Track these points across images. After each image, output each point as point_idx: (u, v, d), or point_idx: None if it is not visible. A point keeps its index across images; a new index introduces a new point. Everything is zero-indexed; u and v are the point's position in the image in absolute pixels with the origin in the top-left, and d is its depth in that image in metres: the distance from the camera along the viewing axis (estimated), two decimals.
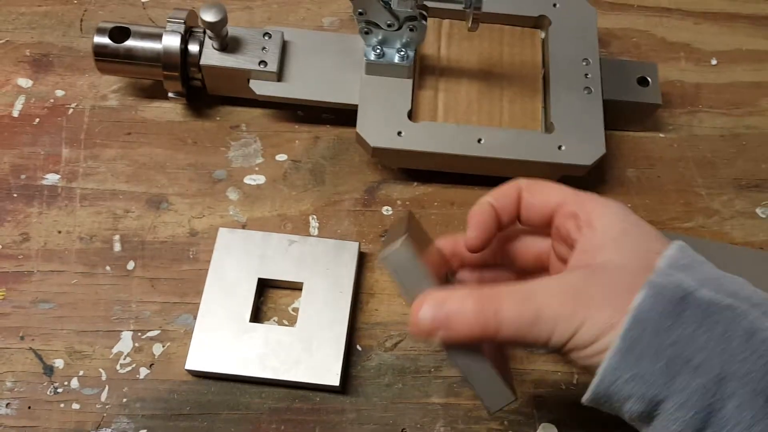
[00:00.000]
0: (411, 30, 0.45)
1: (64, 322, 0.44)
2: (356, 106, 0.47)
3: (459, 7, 0.43)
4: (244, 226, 0.47)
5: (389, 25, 0.44)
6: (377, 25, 0.45)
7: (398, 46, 0.46)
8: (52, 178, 0.48)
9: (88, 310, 0.44)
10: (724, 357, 0.27)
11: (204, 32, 0.47)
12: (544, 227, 0.35)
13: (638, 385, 0.27)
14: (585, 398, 0.29)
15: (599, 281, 0.29)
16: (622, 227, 0.31)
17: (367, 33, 0.45)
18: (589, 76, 0.48)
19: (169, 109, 0.51)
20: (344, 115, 0.49)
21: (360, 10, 0.43)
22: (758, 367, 0.26)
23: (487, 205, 0.35)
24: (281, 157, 0.50)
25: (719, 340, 0.27)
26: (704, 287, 0.28)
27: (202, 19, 0.44)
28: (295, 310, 0.44)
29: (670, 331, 0.27)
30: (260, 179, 0.49)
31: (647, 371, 0.27)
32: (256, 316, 0.44)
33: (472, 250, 0.34)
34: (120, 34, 0.47)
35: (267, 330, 0.42)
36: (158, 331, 0.43)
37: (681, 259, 0.29)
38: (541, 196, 0.34)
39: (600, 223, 0.31)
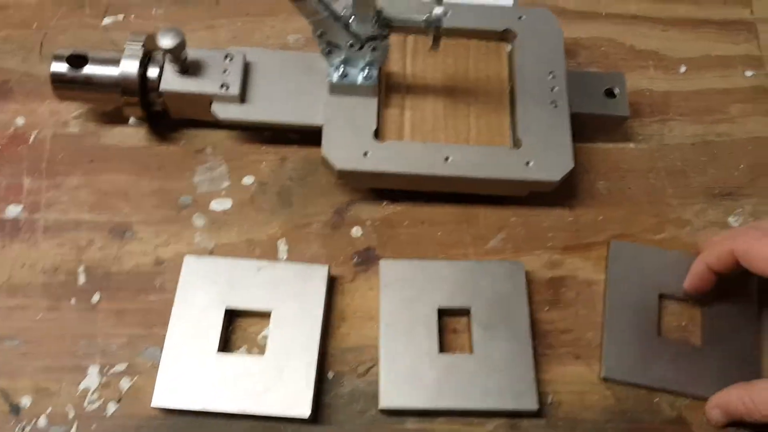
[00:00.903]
0: (373, 50, 0.44)
1: (29, 359, 0.43)
2: (321, 127, 0.46)
3: (420, 25, 0.42)
4: (211, 253, 0.46)
5: (350, 46, 0.44)
6: (338, 46, 0.44)
7: (361, 65, 0.45)
8: (13, 210, 0.47)
9: (53, 346, 0.43)
10: None
11: (164, 56, 0.46)
12: None
13: None
14: None
15: None
16: None
17: (328, 53, 0.45)
18: (555, 89, 0.47)
19: (133, 135, 0.50)
20: (311, 135, 0.49)
21: (320, 31, 0.43)
22: None
23: (703, 267, 0.43)
24: (248, 179, 0.49)
25: None
26: None
27: (160, 45, 0.43)
28: (265, 338, 0.44)
29: None
30: (227, 204, 0.48)
31: None
32: (225, 345, 0.43)
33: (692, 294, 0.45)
34: (78, 60, 0.46)
35: (235, 361, 0.41)
36: (125, 365, 0.43)
37: None
38: (759, 265, 0.39)
39: None
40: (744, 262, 0.40)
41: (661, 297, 0.45)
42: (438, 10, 0.40)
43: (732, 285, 0.44)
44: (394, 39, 0.48)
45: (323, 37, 0.43)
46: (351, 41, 0.43)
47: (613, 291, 0.45)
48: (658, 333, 0.44)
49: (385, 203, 0.49)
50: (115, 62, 0.46)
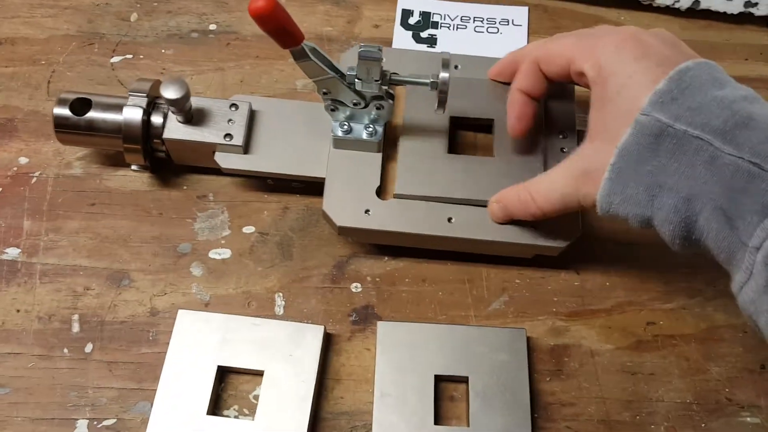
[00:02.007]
0: (378, 108, 0.43)
1: (18, 409, 0.42)
2: (324, 179, 0.45)
3: (426, 87, 0.41)
4: (207, 305, 0.46)
5: (355, 104, 0.43)
6: (343, 103, 0.43)
7: (366, 122, 0.45)
8: (12, 253, 0.47)
9: (43, 396, 0.43)
10: (690, 182, 0.33)
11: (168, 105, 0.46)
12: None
13: (629, 206, 0.35)
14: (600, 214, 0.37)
15: (599, 151, 0.37)
16: (623, 79, 0.36)
17: (333, 110, 0.44)
18: (565, 150, 0.46)
19: (135, 178, 0.49)
20: (315, 185, 0.48)
21: (324, 90, 0.42)
22: (716, 188, 0.32)
23: (517, 94, 0.43)
24: (248, 229, 0.48)
25: (686, 167, 0.33)
26: (679, 121, 0.33)
27: (163, 96, 0.43)
28: (257, 398, 0.43)
29: (647, 161, 0.34)
30: (226, 253, 0.47)
31: (632, 195, 0.35)
32: (216, 404, 0.42)
33: (518, 137, 0.44)
34: (81, 105, 0.45)
35: (225, 425, 0.41)
36: (114, 420, 0.42)
37: (669, 92, 0.34)
38: (555, 64, 0.41)
39: (603, 78, 0.37)
40: (543, 66, 0.42)
41: None
42: (444, 75, 0.39)
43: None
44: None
45: (328, 95, 0.42)
46: (356, 100, 0.42)
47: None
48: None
49: (386, 258, 0.48)
50: (119, 108, 0.45)
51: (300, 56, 0.39)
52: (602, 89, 0.37)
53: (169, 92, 0.42)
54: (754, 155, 0.31)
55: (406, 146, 0.46)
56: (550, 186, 0.40)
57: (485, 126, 0.48)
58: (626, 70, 0.36)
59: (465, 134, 0.50)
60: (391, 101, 0.43)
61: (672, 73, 0.34)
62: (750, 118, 0.32)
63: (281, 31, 0.37)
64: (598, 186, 0.36)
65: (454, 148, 0.48)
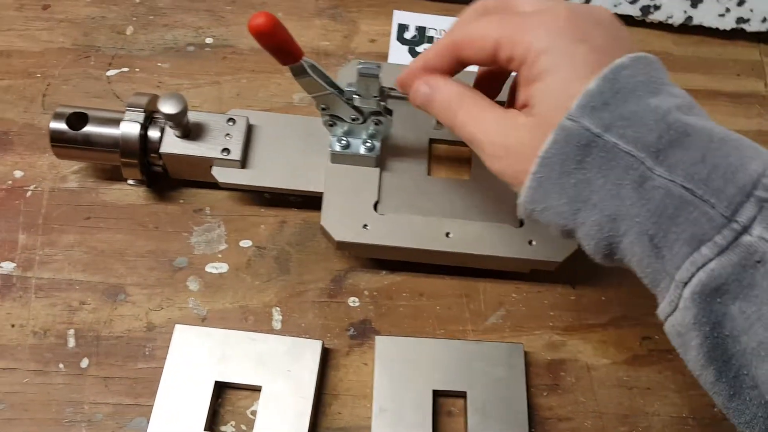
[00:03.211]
0: (377, 123, 0.43)
1: (13, 426, 0.42)
2: (322, 194, 0.46)
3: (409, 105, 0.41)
4: (204, 320, 0.45)
5: (354, 119, 0.43)
6: (341, 119, 0.43)
7: (364, 137, 0.45)
8: (7, 267, 0.46)
9: (39, 412, 0.42)
10: (616, 201, 0.30)
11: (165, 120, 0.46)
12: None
13: (551, 216, 0.33)
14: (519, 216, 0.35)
15: (522, 136, 0.33)
16: (558, 59, 0.32)
17: (331, 125, 0.44)
18: None
19: (131, 192, 0.49)
20: (312, 199, 0.48)
21: (323, 106, 0.42)
22: (644, 212, 0.30)
23: (420, 71, 0.38)
24: (245, 243, 0.48)
25: (613, 184, 0.30)
26: (610, 132, 0.30)
27: (161, 111, 0.43)
28: (254, 413, 0.42)
29: (572, 174, 0.31)
30: (223, 267, 0.47)
31: (555, 205, 0.32)
32: (213, 420, 0.42)
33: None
34: (78, 119, 0.45)
35: None
36: None
37: (600, 95, 0.31)
38: (478, 48, 0.35)
39: (534, 57, 0.33)
40: (465, 53, 0.36)
41: None
42: None
43: None
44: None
45: (326, 110, 0.42)
46: (354, 116, 0.42)
47: None
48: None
49: (384, 273, 0.48)
50: (116, 123, 0.45)
51: (299, 73, 0.39)
52: (532, 68, 0.33)
53: (167, 107, 0.42)
54: (687, 179, 0.29)
55: (388, 165, 0.46)
56: (482, 128, 0.35)
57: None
58: (562, 50, 0.32)
59: (448, 149, 0.50)
60: (389, 117, 0.43)
61: (606, 71, 0.31)
62: (685, 134, 0.30)
63: (281, 48, 0.37)
64: (520, 172, 0.33)
65: (434, 167, 0.49)
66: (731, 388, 0.30)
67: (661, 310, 0.31)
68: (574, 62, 0.32)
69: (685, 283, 0.29)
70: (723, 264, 0.28)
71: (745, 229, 0.28)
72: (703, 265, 0.28)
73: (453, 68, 0.38)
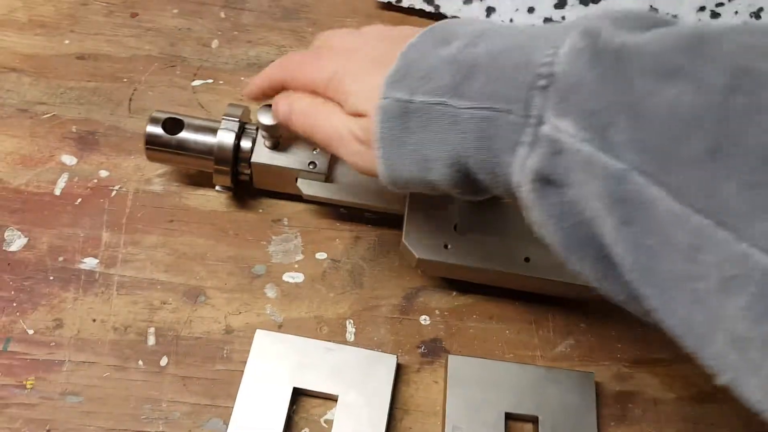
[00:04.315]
0: None
1: (92, 418, 0.43)
2: (402, 212, 0.47)
3: None
4: (280, 327, 0.46)
5: None
6: None
7: None
8: (90, 263, 0.48)
9: (117, 407, 0.43)
10: (447, 146, 0.33)
11: (257, 130, 0.48)
12: None
13: (409, 183, 0.36)
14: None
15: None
16: (355, 80, 0.36)
17: None
18: None
19: (213, 198, 0.51)
20: (387, 217, 0.49)
21: None
22: (468, 144, 0.32)
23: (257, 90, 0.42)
24: (321, 255, 0.49)
25: (438, 133, 0.33)
26: (416, 93, 0.33)
27: (259, 122, 0.44)
28: (328, 422, 0.43)
29: (405, 142, 0.34)
30: (299, 277, 0.48)
31: (407, 171, 0.35)
32: (288, 425, 0.43)
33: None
34: (174, 125, 0.47)
35: None
36: None
37: (398, 71, 0.34)
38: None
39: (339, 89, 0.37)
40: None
41: None
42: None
43: None
44: None
45: None
46: None
47: None
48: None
49: (455, 293, 0.49)
50: (210, 131, 0.47)
51: None
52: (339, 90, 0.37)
53: (266, 119, 0.44)
54: (485, 99, 0.31)
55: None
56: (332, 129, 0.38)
57: None
58: (357, 69, 0.37)
59: None
60: None
61: (398, 55, 0.35)
62: (473, 65, 0.32)
63: None
64: (370, 161, 0.36)
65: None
66: (598, 272, 0.31)
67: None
68: (369, 68, 0.36)
69: (520, 187, 0.31)
70: (536, 160, 0.30)
71: (540, 121, 0.29)
72: (523, 165, 0.30)
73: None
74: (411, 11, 0.60)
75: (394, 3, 0.59)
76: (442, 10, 0.59)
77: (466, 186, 0.35)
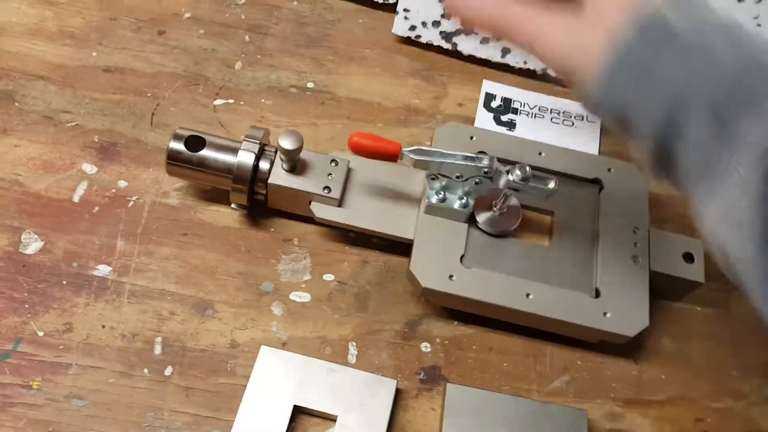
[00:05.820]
0: (476, 183, 0.47)
1: (95, 423, 0.43)
2: (410, 240, 0.48)
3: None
4: (284, 344, 0.48)
5: (457, 177, 0.46)
6: (445, 175, 0.47)
7: (460, 193, 0.48)
8: (103, 270, 0.49)
9: (121, 413, 0.44)
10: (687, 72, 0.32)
11: (275, 152, 0.49)
12: None
13: (619, 102, 0.34)
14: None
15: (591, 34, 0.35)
16: None
17: (433, 179, 0.47)
18: (638, 245, 0.49)
19: (227, 215, 0.52)
20: (395, 244, 0.51)
21: (432, 176, 0.46)
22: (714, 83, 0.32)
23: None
24: (328, 277, 0.51)
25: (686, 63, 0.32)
26: (681, 16, 0.33)
27: (280, 146, 0.46)
28: None
29: (647, 58, 0.33)
30: (306, 297, 0.50)
31: (629, 92, 0.34)
32: None
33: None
34: (196, 142, 0.49)
35: None
36: None
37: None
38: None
39: None
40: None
41: None
42: (551, 184, 0.45)
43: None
44: None
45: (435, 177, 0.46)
46: (459, 173, 0.46)
47: None
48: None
49: (456, 323, 0.50)
50: (230, 150, 0.48)
51: (405, 161, 0.46)
52: None
53: (287, 143, 0.46)
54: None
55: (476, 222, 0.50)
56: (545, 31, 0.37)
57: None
58: None
59: (532, 214, 0.53)
60: (490, 180, 0.46)
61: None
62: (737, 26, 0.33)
63: (376, 156, 0.47)
64: (589, 67, 0.35)
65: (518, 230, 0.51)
66: None
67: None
68: None
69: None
70: None
71: None
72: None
73: None
74: (429, 47, 0.62)
75: (413, 39, 0.62)
76: (459, 48, 0.61)
77: (661, 126, 0.33)
